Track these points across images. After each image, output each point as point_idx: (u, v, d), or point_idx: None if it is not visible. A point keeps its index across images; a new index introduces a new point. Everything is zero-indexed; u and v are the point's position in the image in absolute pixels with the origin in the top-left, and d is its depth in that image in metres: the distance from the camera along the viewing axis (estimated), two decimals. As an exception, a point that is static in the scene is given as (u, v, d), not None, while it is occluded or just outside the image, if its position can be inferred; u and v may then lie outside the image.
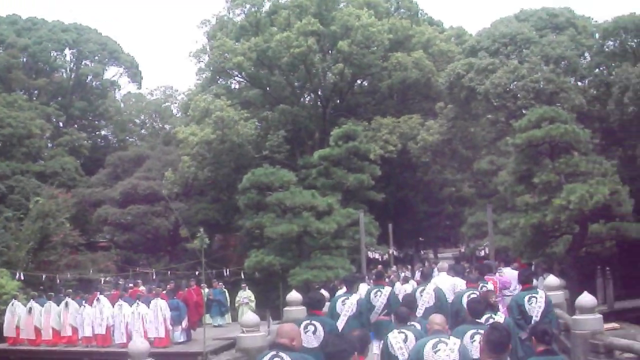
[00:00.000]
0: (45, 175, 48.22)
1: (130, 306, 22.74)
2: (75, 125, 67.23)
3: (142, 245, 48.14)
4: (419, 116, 42.65)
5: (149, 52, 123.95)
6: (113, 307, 23.04)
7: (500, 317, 9.71)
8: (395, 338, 8.21)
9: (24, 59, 66.28)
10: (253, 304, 27.03)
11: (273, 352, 6.20)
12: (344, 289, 13.92)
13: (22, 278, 30.11)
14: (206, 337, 22.20)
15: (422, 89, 45.98)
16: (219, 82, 50.53)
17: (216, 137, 42.03)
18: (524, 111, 32.25)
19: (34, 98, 64.84)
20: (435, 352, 7.08)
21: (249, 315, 13.44)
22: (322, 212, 27.25)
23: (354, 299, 12.19)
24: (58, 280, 32.33)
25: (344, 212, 29.13)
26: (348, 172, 34.87)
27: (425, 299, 12.66)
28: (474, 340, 8.04)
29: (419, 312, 11.69)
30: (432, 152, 41.86)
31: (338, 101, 47.98)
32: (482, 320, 8.92)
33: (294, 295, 16.26)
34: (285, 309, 16.33)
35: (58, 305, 24.39)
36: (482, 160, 37.30)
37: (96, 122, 71.78)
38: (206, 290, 27.89)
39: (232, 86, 50.70)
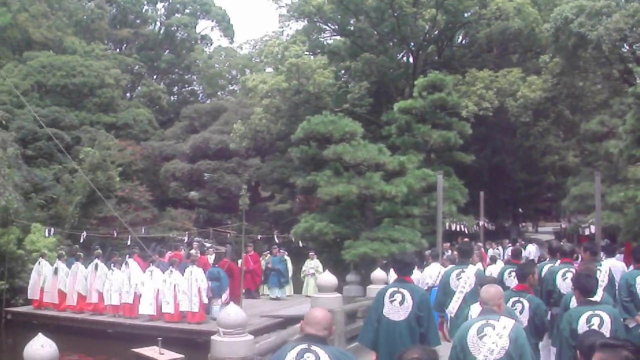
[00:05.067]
0: (116, 127, 46.61)
1: (163, 273, 20.29)
2: (155, 78, 65.94)
3: (217, 204, 45.76)
4: (520, 71, 37.70)
5: (243, 5, 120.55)
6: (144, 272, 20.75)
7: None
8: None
9: (114, 11, 66.09)
10: (327, 273, 23.39)
11: (303, 346, 5.13)
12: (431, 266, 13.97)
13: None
14: (254, 313, 20.10)
15: (524, 40, 41.13)
16: (298, 29, 47.10)
17: (290, 87, 38.95)
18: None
19: (119, 50, 64.96)
20: (481, 338, 6.04)
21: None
22: (391, 171, 22.56)
23: (471, 271, 10.42)
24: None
25: (419, 173, 24.18)
26: (432, 129, 30.40)
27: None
28: (592, 325, 6.89)
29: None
30: (534, 112, 37.52)
31: (430, 52, 43.87)
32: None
33: (379, 273, 14.76)
34: (370, 287, 15.29)
35: (86, 268, 22.29)
36: (591, 121, 32.51)
37: (186, 76, 71.59)
38: (266, 257, 26.00)
39: (313, 34, 46.52)
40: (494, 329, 6.02)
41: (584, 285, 7.36)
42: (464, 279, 10.28)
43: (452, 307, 10.22)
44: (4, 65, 45.08)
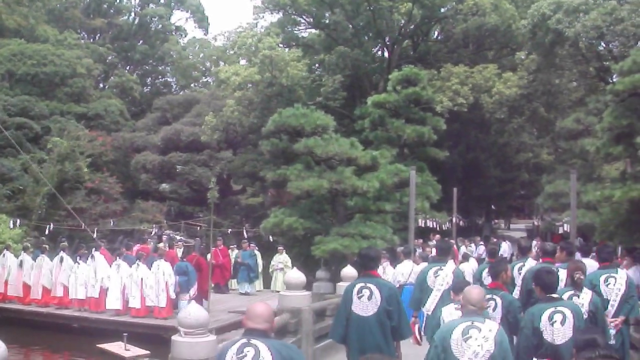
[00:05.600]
0: (87, 118, 46.01)
1: (130, 267, 19.80)
2: (128, 68, 65.11)
3: (188, 197, 45.21)
4: (496, 67, 37.44)
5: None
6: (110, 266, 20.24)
7: (585, 298, 8.09)
8: (450, 315, 7.47)
9: (88, 0, 65.30)
10: (289, 270, 23.00)
11: (243, 340, 5.03)
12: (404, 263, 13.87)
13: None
14: (222, 309, 20.40)
15: (501, 37, 40.92)
16: (272, 22, 46.55)
17: (263, 79, 38.36)
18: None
19: (92, 40, 64.33)
20: (465, 340, 5.88)
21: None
22: (363, 166, 22.09)
23: (449, 269, 10.34)
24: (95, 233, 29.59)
25: (392, 168, 23.77)
26: (406, 124, 29.92)
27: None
28: (554, 322, 6.93)
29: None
30: (509, 109, 37.25)
31: (405, 47, 43.45)
32: (565, 297, 7.71)
33: (349, 270, 14.13)
34: (339, 284, 14.77)
35: (51, 260, 21.68)
36: (566, 118, 32.37)
37: (160, 67, 71.33)
38: (234, 252, 25.72)
39: (287, 27, 45.94)
40: (479, 331, 5.90)
41: (545, 282, 7.33)
42: (442, 277, 10.13)
43: (429, 305, 10.09)
44: (-27, 52, 44.27)
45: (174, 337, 7.97)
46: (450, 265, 10.54)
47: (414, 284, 15.33)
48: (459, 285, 8.10)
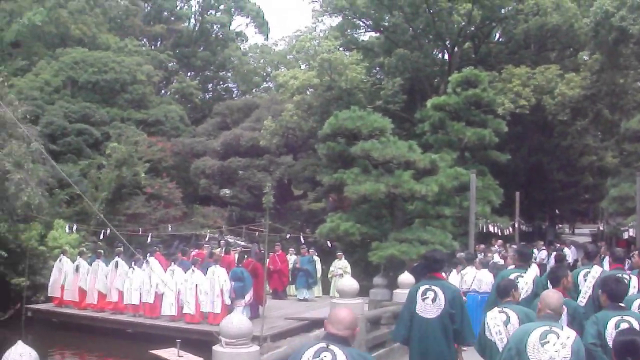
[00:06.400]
0: (147, 124, 46.19)
1: (185, 272, 19.79)
2: (189, 74, 65.90)
3: (249, 202, 45.27)
4: (558, 68, 36.63)
5: (278, 1, 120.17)
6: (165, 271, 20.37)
7: None
8: (494, 319, 7.21)
9: (148, 7, 66.52)
10: (348, 277, 22.78)
11: (322, 344, 4.93)
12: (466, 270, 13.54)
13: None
14: (279, 315, 20.20)
15: (563, 37, 39.96)
16: (332, 26, 46.53)
17: (322, 83, 38.28)
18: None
19: (153, 46, 65.38)
20: (543, 345, 5.77)
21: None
22: (422, 170, 21.62)
23: (529, 276, 9.94)
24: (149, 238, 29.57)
25: (452, 172, 23.33)
26: (466, 126, 29.44)
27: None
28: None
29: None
30: (572, 110, 36.46)
31: (466, 49, 42.90)
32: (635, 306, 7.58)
33: (406, 277, 14.31)
34: (396, 291, 14.82)
35: (107, 266, 21.98)
36: (631, 119, 31.33)
37: (220, 73, 71.75)
38: (293, 257, 25.61)
39: (347, 30, 45.86)
40: (557, 337, 5.83)
41: (612, 290, 7.15)
42: (522, 284, 9.78)
43: None
44: (37, 61, 44.97)
45: (215, 348, 7.77)
46: (531, 272, 10.27)
47: (476, 291, 15.10)
48: (505, 288, 7.94)
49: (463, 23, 39.62)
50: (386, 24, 43.36)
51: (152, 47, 64.52)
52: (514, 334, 6.22)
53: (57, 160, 34.30)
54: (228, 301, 19.04)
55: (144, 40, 64.44)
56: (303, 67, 45.11)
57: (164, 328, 19.28)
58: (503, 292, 7.80)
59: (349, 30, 45.96)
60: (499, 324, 7.13)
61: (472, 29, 41.19)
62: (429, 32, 41.69)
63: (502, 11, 40.66)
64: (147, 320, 20.16)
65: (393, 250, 19.25)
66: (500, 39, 45.93)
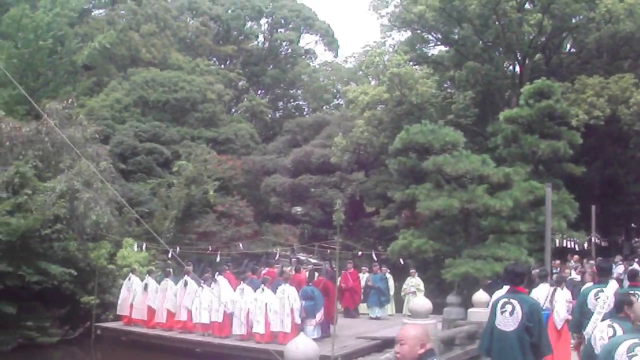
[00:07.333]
0: (218, 142, 46.53)
1: (254, 291, 19.57)
2: (259, 93, 66.34)
3: (321, 219, 45.19)
4: (633, 76, 35.63)
5: (347, 18, 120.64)
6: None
7: None
8: (602, 332, 7.03)
9: (218, 27, 67.25)
10: (422, 295, 22.41)
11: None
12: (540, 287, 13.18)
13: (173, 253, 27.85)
14: (350, 334, 19.77)
15: (636, 44, 38.78)
16: (401, 40, 46.26)
17: (392, 98, 38.04)
18: None
19: (223, 66, 65.83)
20: (630, 358, 5.68)
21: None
22: (496, 184, 21.31)
23: (610, 290, 9.98)
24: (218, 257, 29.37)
25: (526, 185, 22.93)
26: (540, 139, 28.94)
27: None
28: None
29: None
30: (648, 121, 35.20)
31: (537, 60, 42.09)
32: None
33: (481, 295, 14.46)
34: (470, 310, 14.88)
35: (176, 284, 21.88)
36: None
37: (291, 90, 72.36)
38: (365, 275, 25.05)
39: (416, 45, 45.60)
40: None
41: None
42: (603, 299, 9.98)
43: (590, 329, 9.68)
44: (109, 82, 45.80)
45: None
46: (611, 286, 10.24)
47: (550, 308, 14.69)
48: (621, 302, 7.52)
49: (533, 34, 38.99)
50: (455, 37, 42.92)
51: (222, 66, 65.19)
52: (604, 346, 6.20)
53: (127, 179, 34.98)
54: (298, 320, 18.85)
55: (214, 59, 65.10)
56: (373, 82, 44.98)
57: (233, 347, 19.14)
58: (618, 307, 7.50)
59: (418, 45, 45.65)
60: (604, 337, 6.95)
61: (543, 39, 40.43)
62: (499, 44, 41.06)
63: (573, 20, 39.79)
64: (216, 339, 19.95)
65: (467, 267, 18.98)
66: (572, 49, 44.96)
